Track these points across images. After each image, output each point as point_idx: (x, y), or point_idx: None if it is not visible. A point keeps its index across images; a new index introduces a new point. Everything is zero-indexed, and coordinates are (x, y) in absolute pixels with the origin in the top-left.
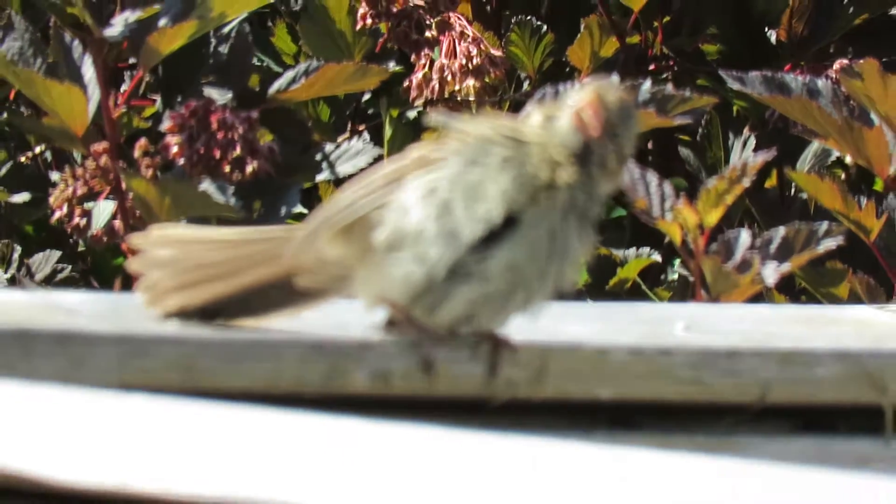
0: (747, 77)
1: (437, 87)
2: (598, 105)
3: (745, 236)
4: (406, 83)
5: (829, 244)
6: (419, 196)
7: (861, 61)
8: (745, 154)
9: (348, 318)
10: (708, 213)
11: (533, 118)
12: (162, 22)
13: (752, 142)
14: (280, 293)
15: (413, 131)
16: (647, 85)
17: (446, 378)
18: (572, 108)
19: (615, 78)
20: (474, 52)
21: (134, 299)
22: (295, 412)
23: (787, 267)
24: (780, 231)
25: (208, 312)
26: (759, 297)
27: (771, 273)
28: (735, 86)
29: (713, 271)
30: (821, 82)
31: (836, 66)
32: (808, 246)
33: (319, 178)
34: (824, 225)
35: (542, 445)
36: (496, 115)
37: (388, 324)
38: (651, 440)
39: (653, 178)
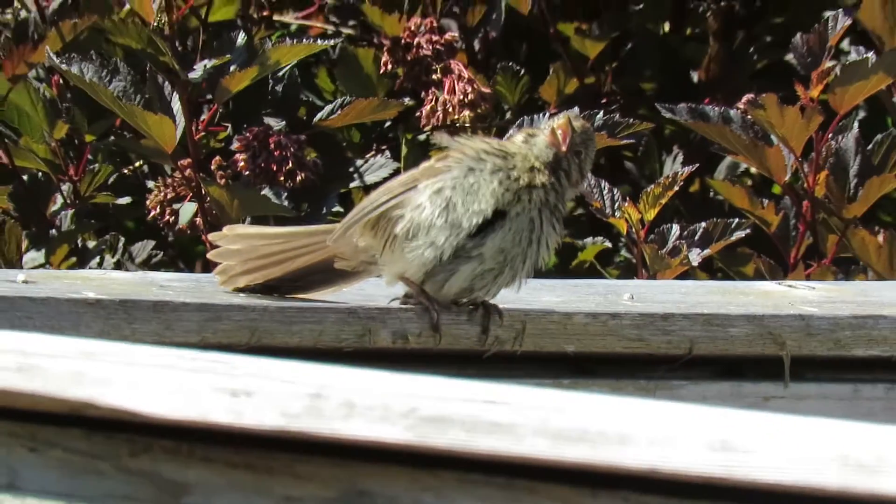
0: (676, 108)
1: (441, 116)
2: (567, 128)
3: (675, 229)
4: (418, 113)
5: (739, 234)
6: (429, 195)
7: (763, 96)
8: (675, 167)
9: (375, 292)
10: (647, 212)
11: (516, 138)
12: (232, 68)
13: (680, 157)
14: (323, 275)
15: (423, 150)
16: (600, 114)
17: (449, 336)
18: (548, 128)
19: (576, 109)
20: (469, 90)
21: (211, 278)
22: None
23: (707, 252)
24: (702, 225)
25: (268, 288)
26: (686, 275)
27: (695, 256)
28: (667, 115)
29: (651, 256)
30: (732, 112)
31: (744, 99)
32: (724, 236)
33: (352, 185)
34: (736, 220)
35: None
36: (486, 136)
37: (406, 296)
38: (605, 384)
39: (605, 184)
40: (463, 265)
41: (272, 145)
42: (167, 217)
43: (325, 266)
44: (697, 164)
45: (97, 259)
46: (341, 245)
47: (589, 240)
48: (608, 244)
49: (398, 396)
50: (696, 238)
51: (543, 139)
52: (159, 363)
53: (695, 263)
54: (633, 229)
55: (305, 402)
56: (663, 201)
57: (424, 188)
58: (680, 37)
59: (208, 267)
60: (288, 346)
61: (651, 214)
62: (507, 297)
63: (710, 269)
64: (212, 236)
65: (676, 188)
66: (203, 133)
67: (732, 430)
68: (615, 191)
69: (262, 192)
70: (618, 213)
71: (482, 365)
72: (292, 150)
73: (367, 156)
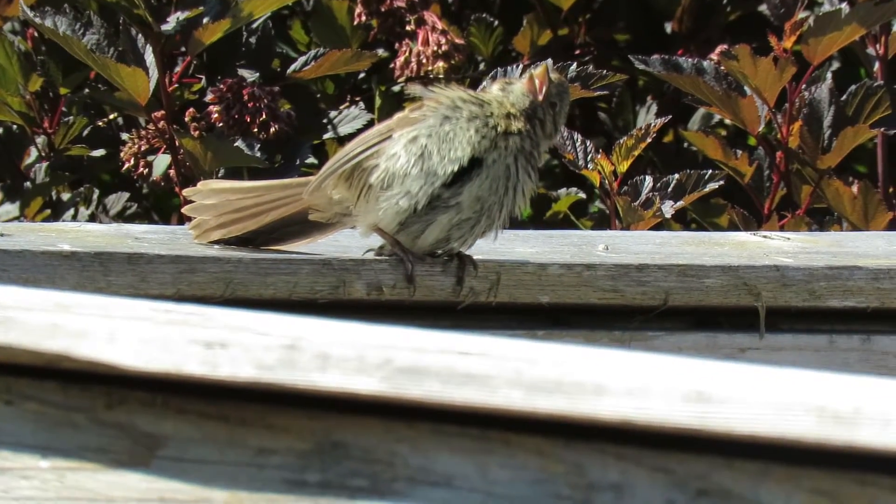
0: (650, 60)
1: (414, 67)
2: (544, 77)
3: (648, 180)
4: (391, 65)
5: (713, 185)
6: (404, 144)
7: (737, 47)
8: (648, 118)
9: (350, 243)
10: (620, 164)
11: (492, 87)
12: (205, 20)
13: (654, 109)
14: (298, 226)
15: (397, 101)
16: (573, 66)
17: (424, 288)
18: (527, 76)
19: (550, 61)
20: (443, 41)
21: (186, 231)
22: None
23: (681, 204)
24: (675, 176)
25: (243, 241)
26: (660, 227)
27: (668, 209)
28: (640, 66)
29: (624, 208)
30: (706, 63)
31: (717, 50)
32: (697, 187)
33: (325, 136)
34: (709, 171)
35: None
36: (460, 87)
37: (380, 248)
38: (580, 335)
39: (578, 136)
40: (440, 215)
41: (246, 97)
42: (141, 169)
43: (299, 218)
44: (670, 116)
45: (72, 211)
46: (315, 197)
47: (563, 191)
48: (582, 195)
49: (373, 348)
50: (670, 190)
51: (520, 86)
52: (134, 315)
53: (668, 215)
54: (606, 181)
55: (280, 353)
56: (636, 153)
57: (399, 137)
58: None
59: (183, 219)
60: (262, 298)
61: (624, 166)
62: (482, 248)
63: (684, 220)
64: (186, 192)
65: (649, 140)
66: (177, 85)
67: (708, 381)
68: (588, 143)
69: (236, 144)
70: (591, 166)
71: (457, 316)
72: (266, 101)
73: (341, 107)
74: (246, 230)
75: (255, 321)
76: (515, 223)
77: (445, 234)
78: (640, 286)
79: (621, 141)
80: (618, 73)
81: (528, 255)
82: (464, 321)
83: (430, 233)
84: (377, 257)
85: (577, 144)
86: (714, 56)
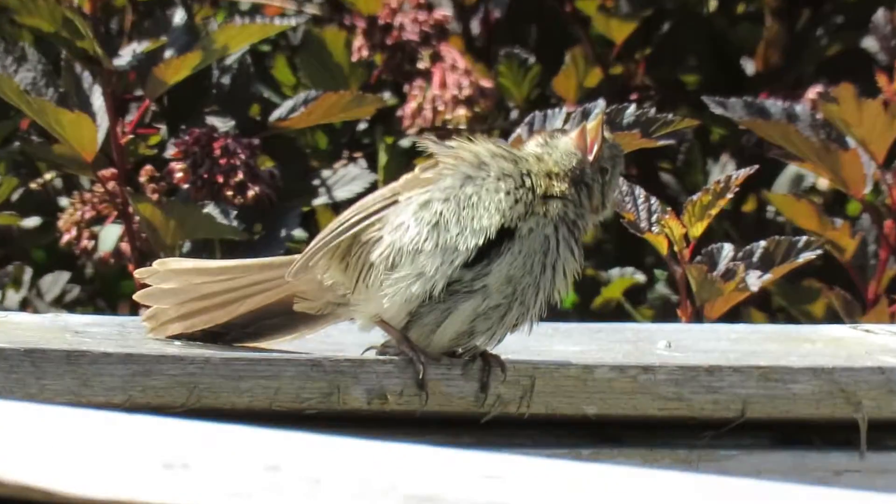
0: (729, 102)
1: (429, 116)
2: (598, 132)
3: (727, 248)
4: (400, 112)
5: (809, 255)
6: (414, 211)
7: (837, 87)
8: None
9: (345, 339)
10: (693, 225)
11: (531, 142)
12: (167, 53)
13: (732, 167)
14: (280, 319)
15: (407, 159)
16: (631, 108)
17: (439, 395)
18: (578, 128)
19: (602, 103)
20: (465, 83)
21: (139, 321)
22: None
23: (769, 278)
24: (761, 244)
25: (211, 335)
26: (737, 317)
27: (755, 280)
28: (717, 110)
29: (699, 279)
30: (799, 107)
31: (812, 92)
32: (788, 257)
33: (317, 202)
34: (803, 238)
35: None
36: (488, 138)
37: (384, 345)
38: (635, 454)
39: (640, 192)
40: (462, 302)
41: (217, 151)
42: (85, 242)
43: (282, 308)
44: (757, 166)
45: None
46: (302, 282)
47: (615, 271)
48: (640, 277)
49: (375, 470)
50: (755, 259)
51: (568, 141)
52: (75, 429)
53: (754, 289)
54: (676, 248)
55: (259, 476)
56: (713, 212)
57: (408, 202)
58: (729, 16)
59: (137, 307)
60: (236, 409)
61: (698, 229)
62: (512, 346)
63: (767, 309)
64: (139, 272)
65: (730, 196)
66: (131, 136)
67: None
68: (653, 200)
69: (205, 211)
70: (656, 229)
71: (480, 431)
72: (242, 157)
73: (337, 165)
74: (214, 322)
75: (227, 436)
76: (555, 313)
77: (468, 326)
78: (711, 393)
79: (695, 198)
80: (686, 119)
81: (570, 354)
82: (489, 437)
83: (449, 325)
84: (380, 357)
85: (640, 201)
86: (808, 99)
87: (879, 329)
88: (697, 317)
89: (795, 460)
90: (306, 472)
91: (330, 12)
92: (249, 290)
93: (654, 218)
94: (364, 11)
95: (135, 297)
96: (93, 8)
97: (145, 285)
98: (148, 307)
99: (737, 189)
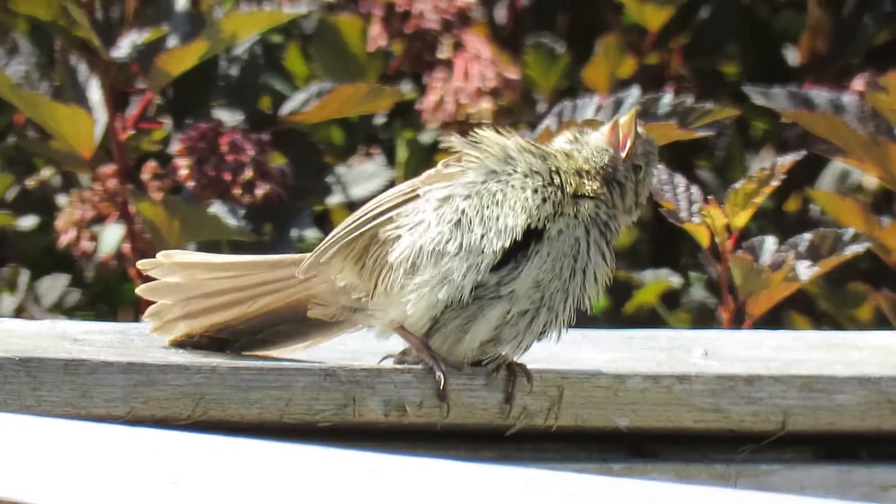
0: (771, 92)
1: (451, 109)
2: (631, 127)
3: (770, 241)
4: (419, 105)
5: (856, 248)
6: (434, 207)
7: (886, 75)
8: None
9: (361, 347)
10: (736, 215)
11: (559, 137)
12: (171, 43)
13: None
14: (292, 325)
15: (427, 154)
16: (668, 97)
17: (461, 407)
18: (610, 123)
19: (636, 92)
20: (489, 74)
21: (141, 328)
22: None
23: (817, 270)
24: (806, 236)
25: (218, 342)
26: (778, 322)
27: (805, 270)
28: (760, 101)
29: (743, 271)
30: (846, 98)
31: (859, 81)
32: (835, 251)
33: (332, 201)
34: (850, 230)
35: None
36: (514, 132)
37: (403, 353)
38: (670, 469)
39: (681, 180)
40: (488, 309)
41: (225, 147)
42: (84, 244)
43: (293, 314)
44: (804, 152)
45: None
46: (315, 283)
47: (649, 273)
48: (675, 280)
49: (391, 486)
50: (801, 251)
51: (599, 136)
52: (73, 443)
53: (804, 279)
54: (718, 239)
55: (272, 493)
56: (758, 200)
57: (427, 198)
58: (771, 3)
59: (140, 313)
60: (244, 421)
61: (741, 219)
62: (539, 354)
63: (811, 314)
64: (141, 264)
65: (775, 183)
66: (132, 132)
67: None
68: (693, 188)
69: (211, 210)
70: (696, 219)
71: (504, 445)
72: (251, 153)
73: (353, 161)
74: (222, 323)
75: (236, 450)
76: (584, 319)
77: (493, 333)
78: (751, 405)
79: (738, 185)
80: (726, 108)
81: (600, 362)
82: (513, 451)
83: (475, 333)
84: (398, 366)
85: (680, 190)
86: (855, 88)
87: None
88: (739, 315)
89: (840, 475)
90: (321, 488)
91: None
92: (259, 289)
93: (694, 207)
94: None
95: (137, 291)
96: None
97: (149, 279)
98: (151, 304)
99: (783, 177)
